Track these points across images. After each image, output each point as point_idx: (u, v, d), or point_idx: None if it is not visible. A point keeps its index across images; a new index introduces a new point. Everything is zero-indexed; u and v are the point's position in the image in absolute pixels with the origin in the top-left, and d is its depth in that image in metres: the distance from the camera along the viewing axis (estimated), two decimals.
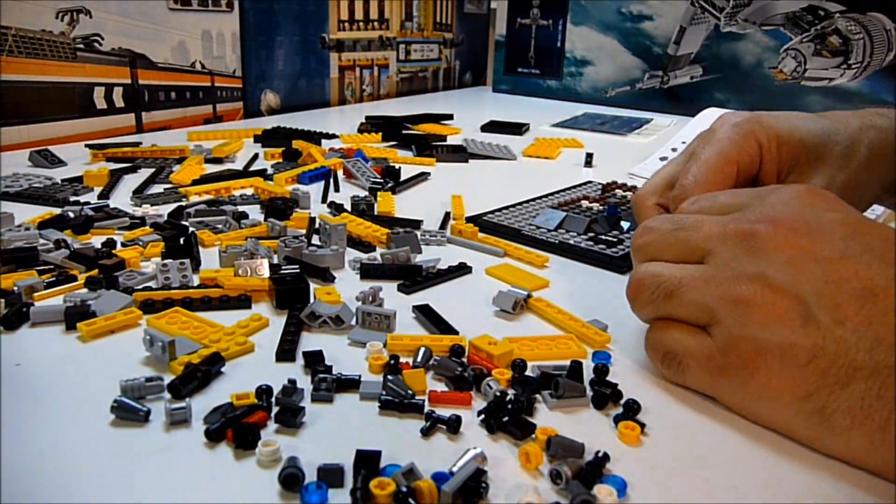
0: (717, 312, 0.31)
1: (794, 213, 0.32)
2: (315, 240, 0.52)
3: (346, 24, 1.20)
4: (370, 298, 0.41)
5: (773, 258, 0.31)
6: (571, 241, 0.53)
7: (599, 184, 0.70)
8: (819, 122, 0.45)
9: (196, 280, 0.44)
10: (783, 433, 0.30)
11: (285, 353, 0.36)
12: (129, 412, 0.30)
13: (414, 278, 0.44)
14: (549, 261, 0.50)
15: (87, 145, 0.75)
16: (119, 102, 0.87)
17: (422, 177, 0.72)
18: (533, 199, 0.63)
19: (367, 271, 0.46)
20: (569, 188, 0.68)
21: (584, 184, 0.70)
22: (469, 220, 0.57)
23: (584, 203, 0.62)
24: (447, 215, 0.59)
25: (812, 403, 0.29)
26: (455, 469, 0.27)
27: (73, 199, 0.59)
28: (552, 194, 0.65)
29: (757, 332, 0.30)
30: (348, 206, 0.59)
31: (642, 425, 0.31)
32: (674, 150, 0.81)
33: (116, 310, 0.38)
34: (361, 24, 1.23)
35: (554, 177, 0.74)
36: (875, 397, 0.27)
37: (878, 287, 0.28)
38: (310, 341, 0.38)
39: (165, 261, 0.44)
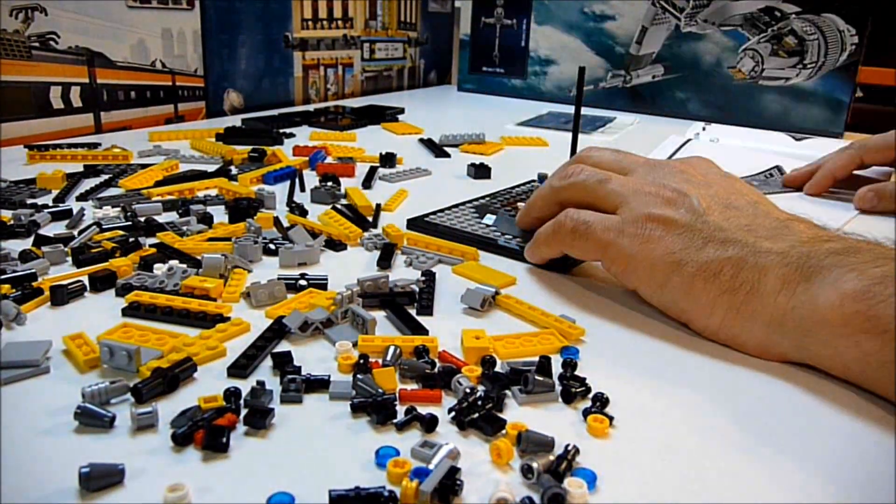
0: (627, 199, 0.43)
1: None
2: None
3: (310, 23, 1.19)
4: (348, 300, 0.41)
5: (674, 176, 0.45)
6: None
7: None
8: None
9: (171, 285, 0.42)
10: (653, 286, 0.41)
11: (238, 367, 0.34)
12: (93, 418, 0.29)
13: (394, 303, 0.42)
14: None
15: (26, 146, 0.72)
16: (77, 102, 0.85)
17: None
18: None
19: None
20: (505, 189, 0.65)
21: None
22: (410, 221, 0.56)
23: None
24: (378, 207, 0.59)
25: (675, 256, 0.40)
26: (432, 466, 0.27)
27: (30, 201, 0.57)
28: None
29: (653, 209, 0.41)
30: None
31: (611, 418, 0.31)
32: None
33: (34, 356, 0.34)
34: (325, 22, 1.22)
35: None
36: (717, 260, 0.39)
37: (734, 204, 0.42)
38: (279, 343, 0.37)
39: (171, 263, 0.44)
